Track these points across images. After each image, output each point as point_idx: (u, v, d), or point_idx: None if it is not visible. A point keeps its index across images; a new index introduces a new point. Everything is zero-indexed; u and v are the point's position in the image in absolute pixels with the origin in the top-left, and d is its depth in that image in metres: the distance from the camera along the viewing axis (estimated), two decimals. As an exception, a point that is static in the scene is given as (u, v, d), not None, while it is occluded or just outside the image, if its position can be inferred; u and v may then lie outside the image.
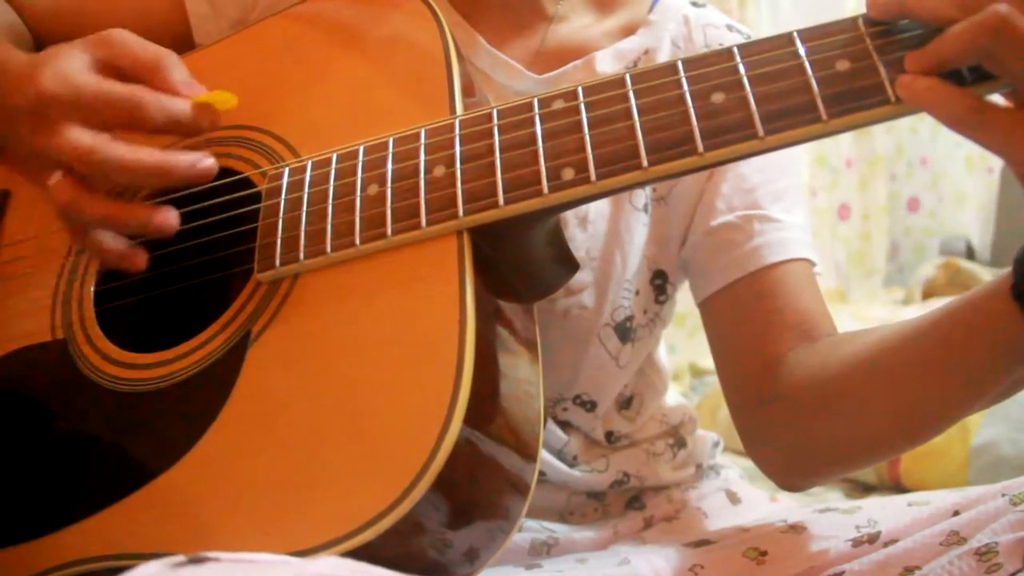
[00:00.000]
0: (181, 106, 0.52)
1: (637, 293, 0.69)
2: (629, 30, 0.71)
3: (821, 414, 0.60)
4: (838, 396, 0.59)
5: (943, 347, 0.53)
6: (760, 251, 0.65)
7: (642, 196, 0.68)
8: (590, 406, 0.70)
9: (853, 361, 0.58)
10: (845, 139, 2.13)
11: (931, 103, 0.43)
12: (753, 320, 0.65)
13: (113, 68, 0.53)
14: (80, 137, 0.50)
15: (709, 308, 0.68)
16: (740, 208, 0.67)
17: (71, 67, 0.51)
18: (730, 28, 0.72)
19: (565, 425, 0.70)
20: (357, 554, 0.42)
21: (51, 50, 0.54)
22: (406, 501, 0.43)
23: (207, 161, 0.52)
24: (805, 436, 0.62)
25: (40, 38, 0.72)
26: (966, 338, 0.52)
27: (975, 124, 0.42)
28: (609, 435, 0.72)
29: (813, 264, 0.67)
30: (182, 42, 0.71)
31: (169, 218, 0.53)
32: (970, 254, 1.95)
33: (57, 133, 0.50)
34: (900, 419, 0.57)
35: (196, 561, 0.38)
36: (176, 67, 0.53)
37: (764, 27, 2.09)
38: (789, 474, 0.65)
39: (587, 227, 0.66)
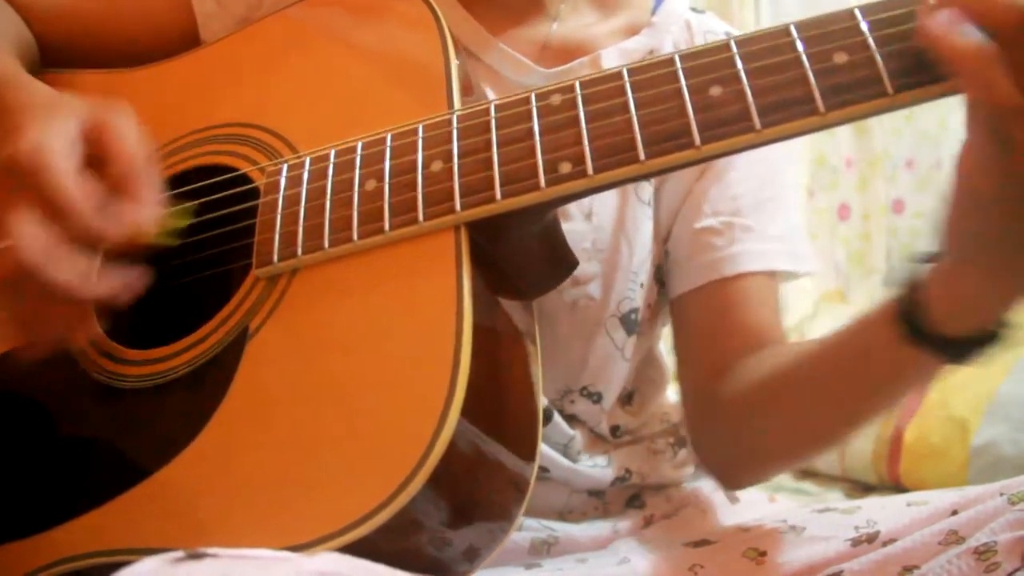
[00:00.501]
0: (117, 233, 0.49)
1: (642, 286, 0.69)
2: (632, 30, 0.72)
3: (749, 422, 0.65)
4: (760, 405, 0.63)
5: (838, 365, 0.58)
6: (735, 259, 0.67)
7: (648, 190, 0.69)
8: (596, 398, 0.70)
9: (773, 374, 0.62)
10: (845, 139, 2.13)
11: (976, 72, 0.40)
12: (712, 325, 0.68)
13: (98, 145, 0.52)
14: (24, 229, 0.48)
15: (678, 306, 0.70)
16: (723, 214, 0.68)
17: (53, 138, 0.50)
18: (728, 36, 0.72)
19: (571, 419, 0.71)
20: (354, 549, 0.42)
21: (52, 102, 0.54)
22: (401, 496, 0.42)
23: (129, 292, 0.50)
24: (736, 439, 0.67)
25: (44, 39, 0.72)
26: (857, 357, 0.56)
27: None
28: (614, 429, 0.73)
29: (795, 274, 0.70)
30: (188, 40, 0.71)
31: (88, 328, 0.52)
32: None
33: (11, 208, 0.48)
34: (809, 429, 0.62)
35: (195, 557, 0.38)
36: (147, 188, 0.51)
37: (766, 26, 2.08)
38: (725, 475, 0.70)
39: (592, 219, 0.67)
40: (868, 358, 0.55)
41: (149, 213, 0.50)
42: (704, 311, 0.68)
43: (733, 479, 0.70)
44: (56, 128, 0.51)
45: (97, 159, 0.51)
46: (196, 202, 0.58)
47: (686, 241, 0.69)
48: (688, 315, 0.69)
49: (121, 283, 0.50)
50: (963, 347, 0.50)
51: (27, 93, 0.57)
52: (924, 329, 0.50)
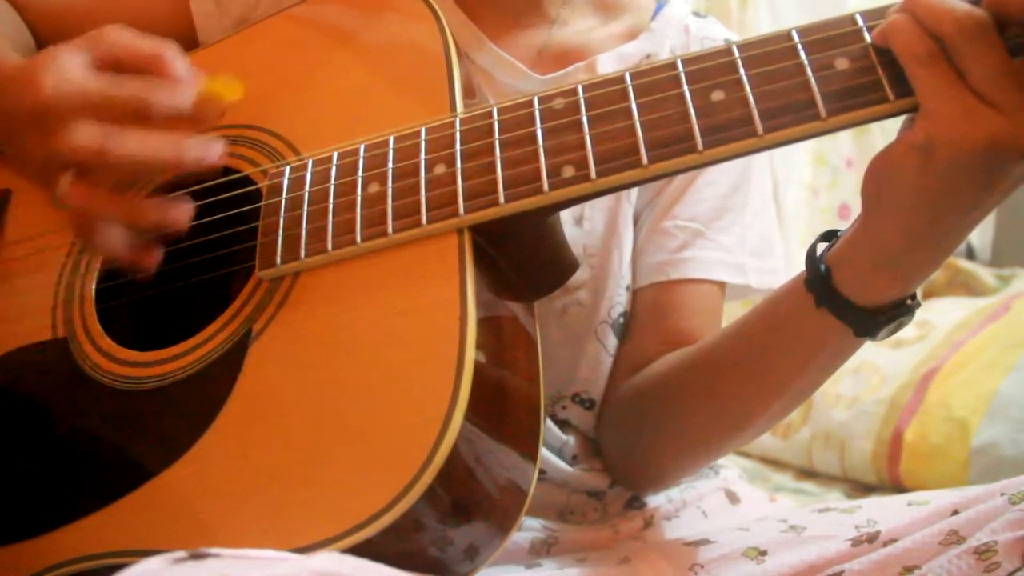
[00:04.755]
0: (185, 97, 0.50)
1: (628, 288, 0.69)
2: (631, 35, 0.72)
3: (652, 414, 0.65)
4: (663, 395, 0.64)
5: (748, 344, 0.58)
6: (682, 263, 0.68)
7: (634, 191, 0.69)
8: (589, 404, 0.70)
9: (681, 361, 0.63)
10: (845, 139, 2.13)
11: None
12: (644, 325, 0.69)
13: (111, 64, 0.52)
14: (90, 136, 0.49)
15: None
16: (681, 218, 0.69)
17: (70, 69, 0.51)
18: (727, 43, 0.72)
19: (564, 424, 0.71)
20: (357, 551, 0.42)
21: (47, 53, 0.53)
22: (406, 498, 0.43)
23: (216, 152, 0.51)
24: (641, 435, 0.66)
25: (43, 39, 0.72)
26: (770, 332, 0.57)
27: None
28: None
29: (745, 286, 0.70)
30: (186, 41, 0.71)
31: (183, 213, 0.51)
32: (970, 254, 1.95)
33: (64, 135, 0.49)
34: (718, 416, 0.61)
35: (197, 557, 0.38)
36: (176, 58, 0.52)
37: (764, 28, 2.09)
38: (631, 475, 0.69)
39: (583, 224, 0.67)
40: (780, 330, 0.56)
41: (191, 78, 0.50)
42: (642, 309, 0.69)
43: (637, 479, 0.70)
44: (65, 62, 0.51)
45: (115, 66, 0.51)
46: (199, 203, 0.58)
47: (644, 239, 0.70)
48: (632, 312, 0.70)
49: (204, 148, 0.50)
50: (871, 317, 0.51)
51: (17, 62, 0.57)
52: (831, 293, 0.51)
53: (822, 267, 0.52)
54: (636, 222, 0.70)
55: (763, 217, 0.73)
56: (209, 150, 0.50)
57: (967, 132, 0.43)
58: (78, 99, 0.49)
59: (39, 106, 0.50)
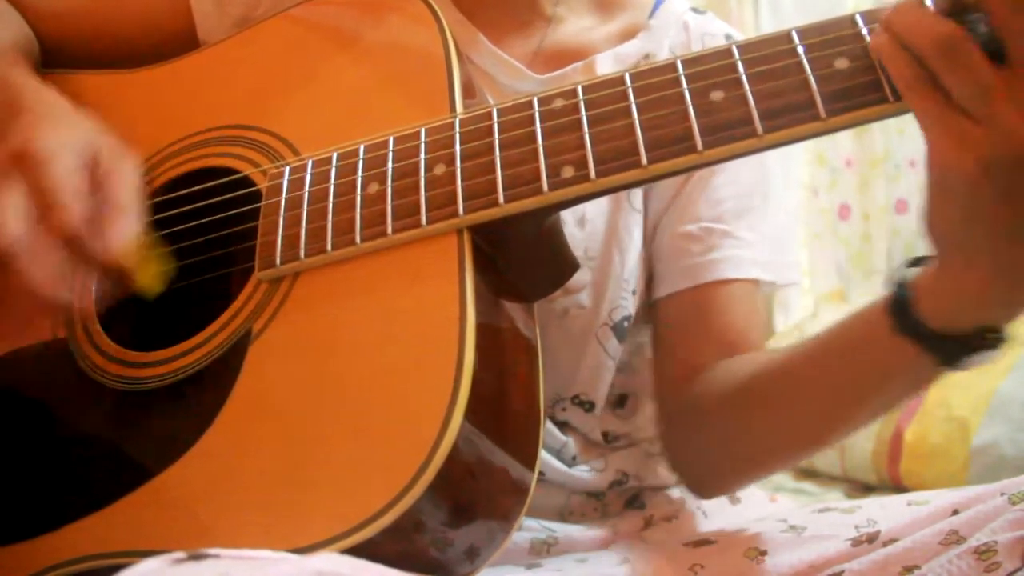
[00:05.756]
0: (102, 249, 0.50)
1: (635, 293, 0.69)
2: (629, 34, 0.71)
3: (720, 424, 0.64)
4: (742, 407, 0.63)
5: (828, 362, 0.57)
6: (712, 265, 0.67)
7: (639, 196, 0.69)
8: (588, 406, 0.70)
9: (750, 376, 0.62)
10: (845, 139, 2.13)
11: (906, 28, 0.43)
12: (688, 331, 0.68)
13: (94, 176, 0.52)
14: (12, 216, 0.48)
15: (655, 310, 0.70)
16: (705, 219, 0.68)
17: (66, 149, 0.51)
18: (728, 38, 0.72)
19: (563, 426, 0.70)
20: (357, 551, 0.42)
21: (73, 111, 0.55)
22: (406, 499, 0.43)
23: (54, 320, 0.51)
24: (708, 444, 0.66)
25: (45, 38, 0.72)
26: (846, 356, 0.55)
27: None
28: (606, 435, 0.72)
29: (772, 283, 0.70)
30: (186, 39, 0.71)
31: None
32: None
33: (4, 192, 0.49)
34: (790, 432, 0.61)
35: (196, 557, 0.38)
36: (133, 222, 0.52)
37: (764, 28, 2.09)
38: (700, 481, 0.69)
39: (585, 226, 0.67)
40: (858, 354, 0.54)
41: (130, 241, 0.50)
42: (679, 316, 0.68)
43: (706, 486, 0.69)
44: (72, 141, 0.52)
45: (96, 189, 0.52)
46: (167, 215, 0.58)
47: (667, 245, 0.69)
48: (664, 319, 0.69)
49: (77, 302, 0.51)
50: (955, 347, 0.50)
51: (51, 101, 0.57)
52: (915, 322, 0.50)
53: (906, 294, 0.50)
54: (654, 231, 0.70)
55: (779, 211, 0.73)
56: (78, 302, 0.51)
57: (961, 158, 0.42)
58: (42, 177, 0.49)
59: (19, 147, 0.51)
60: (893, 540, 0.54)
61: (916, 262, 0.52)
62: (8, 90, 0.58)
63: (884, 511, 0.57)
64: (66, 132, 0.52)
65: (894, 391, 0.55)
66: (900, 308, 0.51)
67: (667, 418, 0.70)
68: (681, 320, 0.68)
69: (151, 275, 0.52)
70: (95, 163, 0.52)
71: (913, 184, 2.12)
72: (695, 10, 0.74)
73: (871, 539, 0.55)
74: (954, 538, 0.50)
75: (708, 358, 0.66)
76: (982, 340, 0.49)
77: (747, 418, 0.63)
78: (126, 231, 0.51)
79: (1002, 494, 0.50)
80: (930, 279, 0.50)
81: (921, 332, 0.50)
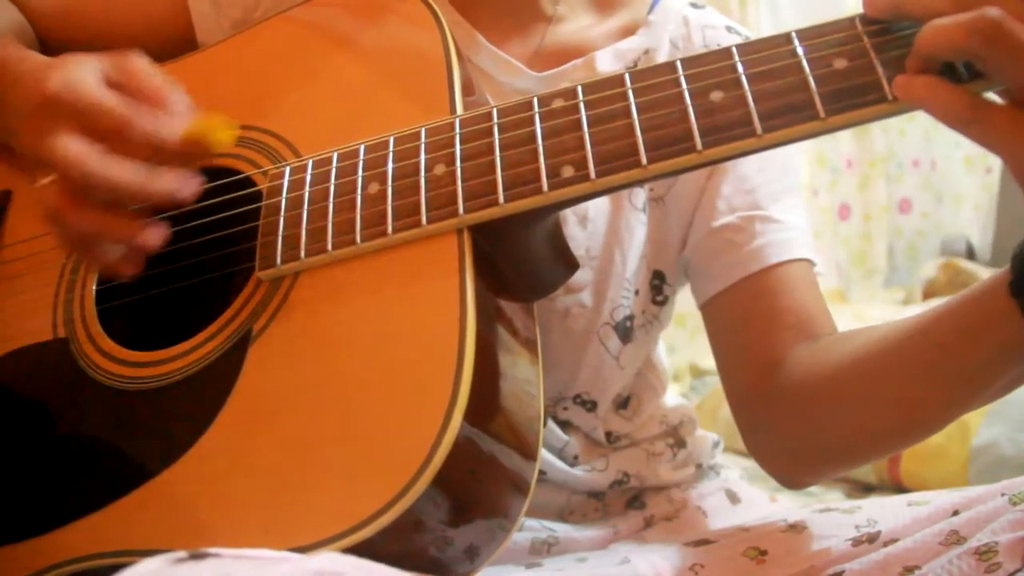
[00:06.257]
0: (171, 131, 0.50)
1: (637, 293, 0.69)
2: (629, 30, 0.71)
3: (819, 411, 0.61)
4: (836, 393, 0.59)
5: (941, 346, 0.53)
6: (762, 251, 0.65)
7: (641, 196, 0.69)
8: (590, 406, 0.70)
9: (852, 359, 0.58)
10: (845, 139, 2.13)
11: (926, 100, 0.43)
12: (755, 320, 0.65)
13: (123, 88, 0.52)
14: (70, 145, 0.49)
15: (712, 309, 0.68)
16: (741, 209, 0.67)
17: (79, 74, 0.51)
18: (729, 29, 0.72)
19: (565, 425, 0.71)
20: (357, 551, 0.42)
21: (68, 56, 0.54)
22: (406, 498, 0.43)
23: (189, 188, 0.51)
24: (804, 433, 0.63)
25: (44, 37, 0.72)
26: (964, 337, 0.52)
27: (971, 121, 0.42)
28: (608, 435, 0.72)
29: (813, 264, 0.68)
30: (184, 41, 0.71)
31: (151, 237, 0.52)
32: (970, 254, 1.95)
33: (52, 137, 0.50)
34: (900, 417, 0.57)
35: (197, 557, 0.38)
36: (177, 94, 0.52)
37: (764, 28, 2.09)
38: (790, 471, 0.66)
39: (587, 225, 0.67)
40: (973, 336, 0.51)
41: (187, 111, 0.51)
42: (740, 309, 0.66)
43: (796, 477, 0.66)
44: (78, 67, 0.52)
45: (123, 90, 0.52)
46: (168, 215, 0.58)
47: (707, 244, 0.67)
48: (724, 316, 0.67)
49: (177, 182, 0.50)
50: None
51: (41, 59, 0.57)
52: None
53: None
54: (687, 233, 0.68)
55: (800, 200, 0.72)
56: (182, 185, 0.50)
57: None
58: (73, 103, 0.50)
59: (40, 101, 0.51)
60: (893, 540, 0.54)
61: None
62: (5, 64, 0.58)
63: (884, 511, 0.57)
64: (72, 65, 0.52)
65: (1006, 372, 0.52)
66: None
67: (749, 416, 0.66)
68: (743, 314, 0.66)
69: (221, 130, 0.51)
70: (111, 68, 0.52)
71: (915, 184, 2.12)
72: (694, 5, 0.73)
73: (871, 539, 0.55)
74: (954, 538, 0.50)
75: (785, 345, 0.63)
76: None
77: (852, 403, 0.59)
78: (179, 105, 0.51)
79: (1002, 494, 0.50)
80: None
81: None
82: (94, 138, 0.50)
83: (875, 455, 0.64)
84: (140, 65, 0.53)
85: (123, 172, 0.49)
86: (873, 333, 0.59)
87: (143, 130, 0.50)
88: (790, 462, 0.65)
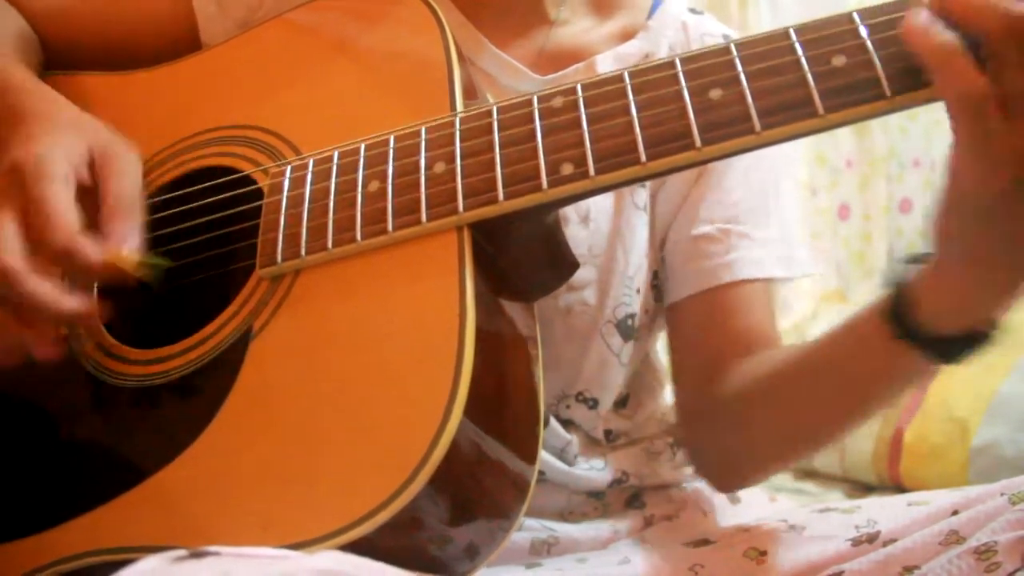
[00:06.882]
0: (95, 258, 0.50)
1: (638, 291, 0.69)
2: (628, 34, 0.72)
3: (744, 422, 0.66)
4: (755, 404, 0.64)
5: (831, 363, 0.59)
6: (732, 266, 0.68)
7: (643, 196, 0.69)
8: (592, 403, 0.70)
9: (768, 372, 0.63)
10: (845, 139, 2.13)
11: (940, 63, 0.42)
12: (708, 331, 0.69)
13: (92, 178, 0.53)
14: (3, 239, 0.49)
15: (674, 312, 0.71)
16: (720, 220, 0.69)
17: (55, 159, 0.51)
18: (726, 38, 0.73)
19: (567, 423, 0.71)
20: (356, 547, 0.42)
21: (67, 115, 0.55)
22: (404, 495, 0.43)
23: (89, 314, 0.52)
24: (732, 441, 0.67)
25: (46, 41, 0.72)
26: (850, 355, 0.57)
27: (975, 108, 0.42)
28: (608, 433, 0.72)
29: (788, 278, 0.71)
30: (189, 42, 0.71)
31: (42, 352, 0.52)
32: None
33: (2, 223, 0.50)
34: (800, 428, 0.63)
35: (197, 555, 0.38)
36: (130, 224, 0.52)
37: (765, 27, 2.08)
38: (720, 477, 0.71)
39: (589, 224, 0.67)
40: (860, 356, 0.56)
41: (125, 248, 0.51)
42: (701, 317, 0.69)
43: (727, 481, 0.71)
44: (66, 145, 0.52)
45: (92, 190, 0.52)
46: (169, 214, 0.58)
47: (682, 248, 0.69)
48: (685, 321, 0.70)
49: (86, 308, 0.51)
50: (953, 346, 0.50)
51: (48, 103, 0.58)
52: (913, 327, 0.51)
53: (903, 298, 0.51)
54: (664, 235, 0.70)
55: (788, 204, 0.74)
56: (88, 311, 0.51)
57: (996, 170, 0.42)
58: (30, 192, 0.50)
59: (11, 161, 0.52)
60: (893, 540, 0.54)
61: (914, 260, 0.52)
62: (8, 95, 0.59)
63: (884, 511, 0.57)
64: (61, 136, 0.53)
65: (894, 388, 0.57)
66: (898, 313, 0.51)
67: (688, 417, 0.71)
68: (701, 322, 0.69)
69: (149, 272, 0.53)
70: (92, 162, 0.53)
71: (916, 183, 2.12)
72: (693, 10, 0.74)
73: (871, 539, 0.55)
74: (954, 538, 0.50)
75: (729, 359, 0.67)
76: (981, 335, 0.50)
77: (762, 415, 0.64)
78: (122, 233, 0.51)
79: (1002, 494, 0.50)
80: (930, 278, 0.50)
81: (920, 335, 0.51)
82: (28, 224, 0.50)
83: (788, 461, 0.70)
84: (123, 173, 0.53)
85: (38, 289, 0.49)
86: (789, 351, 0.64)
87: (68, 248, 0.49)
88: (717, 465, 0.70)
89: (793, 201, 0.73)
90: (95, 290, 0.57)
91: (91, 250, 0.50)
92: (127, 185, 0.53)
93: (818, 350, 0.60)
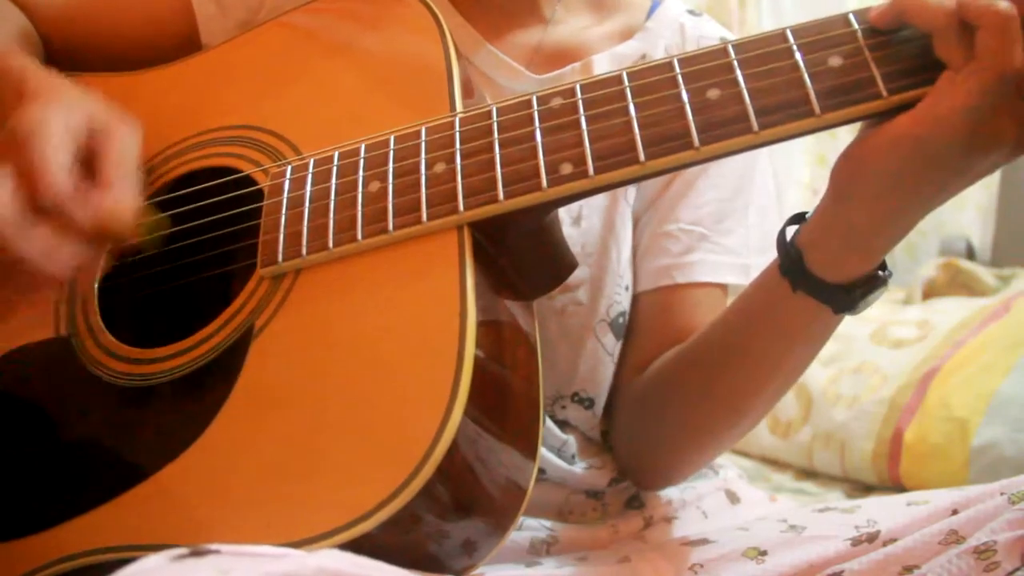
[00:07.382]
0: (83, 215, 0.50)
1: (627, 289, 0.70)
2: (626, 35, 0.72)
3: (654, 406, 0.67)
4: (665, 387, 0.66)
5: (735, 334, 0.61)
6: (687, 268, 0.69)
7: (633, 192, 0.70)
8: (588, 403, 0.70)
9: (678, 354, 0.65)
10: (846, 139, 2.13)
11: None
12: (651, 327, 0.70)
13: (88, 150, 0.52)
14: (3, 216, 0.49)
15: (632, 305, 0.71)
16: (685, 221, 0.69)
17: (55, 122, 0.51)
18: (723, 40, 0.73)
19: (563, 424, 0.71)
20: (356, 545, 0.42)
21: (64, 85, 0.55)
22: (405, 492, 0.43)
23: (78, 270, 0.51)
24: (647, 429, 0.68)
25: (49, 40, 0.72)
26: (751, 321, 0.59)
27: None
28: (605, 434, 0.73)
29: (741, 286, 0.71)
30: (189, 42, 0.71)
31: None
32: (970, 254, 1.94)
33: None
34: (716, 405, 0.63)
35: (198, 554, 0.38)
36: (128, 187, 0.52)
37: (765, 28, 2.08)
38: (642, 470, 0.71)
39: (581, 223, 0.67)
40: (762, 316, 0.58)
41: (121, 207, 0.51)
42: (649, 313, 0.70)
43: (647, 475, 0.71)
44: (66, 111, 0.52)
45: (91, 157, 0.52)
46: (170, 214, 0.58)
47: (646, 243, 0.70)
48: (637, 314, 0.71)
49: (75, 261, 0.50)
50: (850, 292, 0.53)
51: (51, 80, 0.58)
52: (807, 276, 0.53)
53: (793, 251, 0.54)
54: (636, 224, 0.71)
55: (769, 215, 0.74)
56: (79, 265, 0.50)
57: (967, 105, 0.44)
58: (29, 153, 0.50)
59: (12, 124, 0.51)
60: (893, 540, 0.54)
61: (797, 219, 0.55)
62: (10, 75, 0.58)
63: (884, 511, 0.57)
64: (58, 105, 0.53)
65: (802, 348, 0.59)
66: (792, 266, 0.54)
67: (611, 412, 0.71)
68: (647, 317, 0.70)
69: (146, 232, 0.52)
70: (90, 131, 0.52)
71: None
72: (692, 12, 0.74)
73: (871, 539, 0.55)
74: (954, 538, 0.50)
75: (656, 355, 0.68)
76: (873, 278, 0.53)
77: (679, 395, 0.65)
78: (117, 193, 0.51)
79: (1002, 494, 0.50)
80: (816, 231, 0.53)
81: (815, 284, 0.53)
82: (23, 182, 0.49)
83: (706, 447, 0.68)
84: (121, 140, 0.53)
85: (25, 242, 0.49)
86: (704, 328, 0.65)
87: (62, 206, 0.49)
88: (637, 459, 0.70)
89: (767, 207, 0.73)
90: (97, 279, 0.56)
91: (84, 207, 0.49)
92: (125, 151, 0.53)
93: (726, 321, 0.61)
